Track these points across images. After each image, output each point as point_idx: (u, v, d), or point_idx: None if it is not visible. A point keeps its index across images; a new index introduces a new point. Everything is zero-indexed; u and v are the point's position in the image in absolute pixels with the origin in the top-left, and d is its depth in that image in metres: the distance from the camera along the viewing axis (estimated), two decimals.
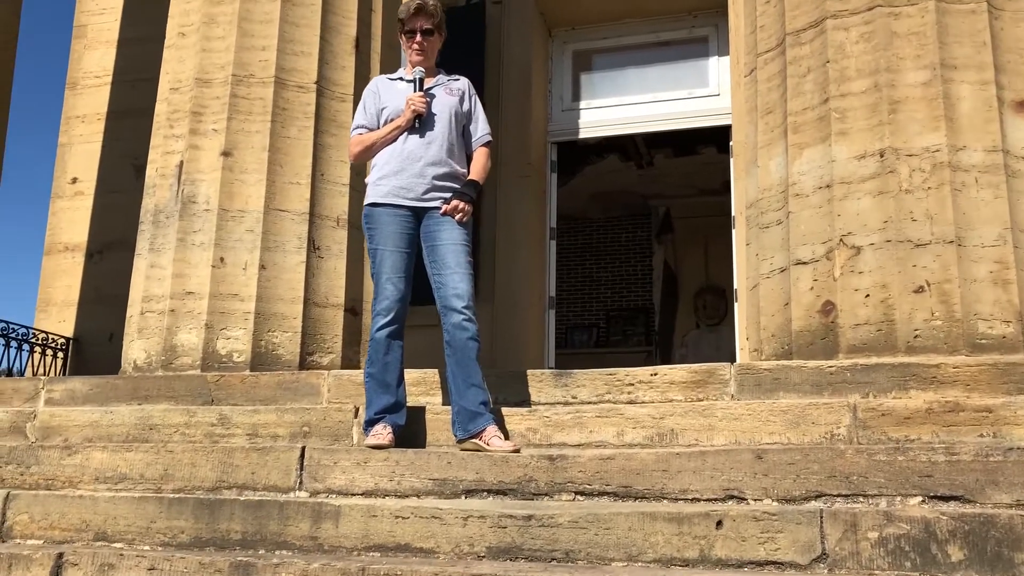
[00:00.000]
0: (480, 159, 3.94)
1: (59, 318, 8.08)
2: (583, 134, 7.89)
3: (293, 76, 4.80)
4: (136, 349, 4.61)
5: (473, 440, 3.46)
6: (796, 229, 3.98)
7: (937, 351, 3.57)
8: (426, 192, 3.76)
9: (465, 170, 3.90)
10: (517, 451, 3.34)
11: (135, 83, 8.05)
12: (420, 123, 3.78)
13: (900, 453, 2.95)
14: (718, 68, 7.52)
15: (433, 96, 3.86)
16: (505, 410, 3.73)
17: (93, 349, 7.77)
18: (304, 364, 4.51)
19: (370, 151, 3.88)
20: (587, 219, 13.75)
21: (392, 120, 3.82)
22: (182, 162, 4.72)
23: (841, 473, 2.96)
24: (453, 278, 3.63)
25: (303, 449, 3.46)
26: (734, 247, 6.36)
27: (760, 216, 4.24)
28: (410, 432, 3.71)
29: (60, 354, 7.79)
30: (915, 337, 3.62)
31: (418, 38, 3.93)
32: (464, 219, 3.78)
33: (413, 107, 3.76)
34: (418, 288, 3.84)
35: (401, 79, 3.97)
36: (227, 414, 3.99)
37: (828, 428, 3.34)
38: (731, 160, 6.50)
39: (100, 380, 4.51)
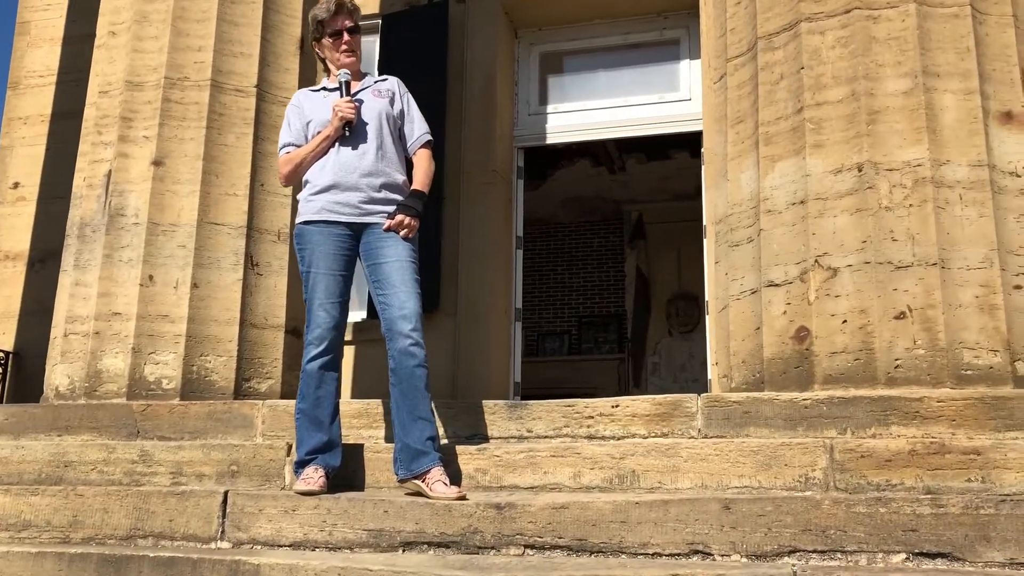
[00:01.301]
0: (422, 164, 3.61)
1: (0, 330, 7.67)
2: (551, 139, 7.58)
3: (231, 79, 4.46)
4: (59, 374, 4.25)
5: (415, 481, 3.15)
6: (768, 248, 3.69)
7: (920, 383, 3.30)
8: (364, 206, 3.43)
9: (405, 178, 3.58)
10: (463, 498, 3.02)
11: (80, 83, 7.63)
12: (351, 131, 3.46)
13: (882, 504, 2.66)
14: (689, 72, 7.24)
15: (361, 101, 3.53)
16: (456, 447, 3.41)
17: (35, 363, 7.34)
18: (240, 391, 4.17)
19: (301, 168, 3.55)
20: (558, 224, 13.47)
21: (320, 132, 3.49)
22: (110, 171, 4.37)
23: (817, 526, 2.67)
24: (399, 297, 3.31)
25: (226, 494, 3.13)
26: (705, 257, 6.09)
27: (730, 233, 3.95)
28: (347, 472, 3.38)
29: (0, 369, 7.38)
30: (896, 367, 3.34)
31: (346, 37, 3.62)
32: (410, 235, 3.46)
33: (341, 114, 3.43)
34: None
35: (324, 88, 3.65)
36: (149, 450, 3.64)
37: (803, 471, 3.05)
38: (703, 167, 6.22)
39: (17, 409, 4.15)
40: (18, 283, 7.65)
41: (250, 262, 4.31)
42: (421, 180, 3.56)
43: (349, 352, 7.18)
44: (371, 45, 7.67)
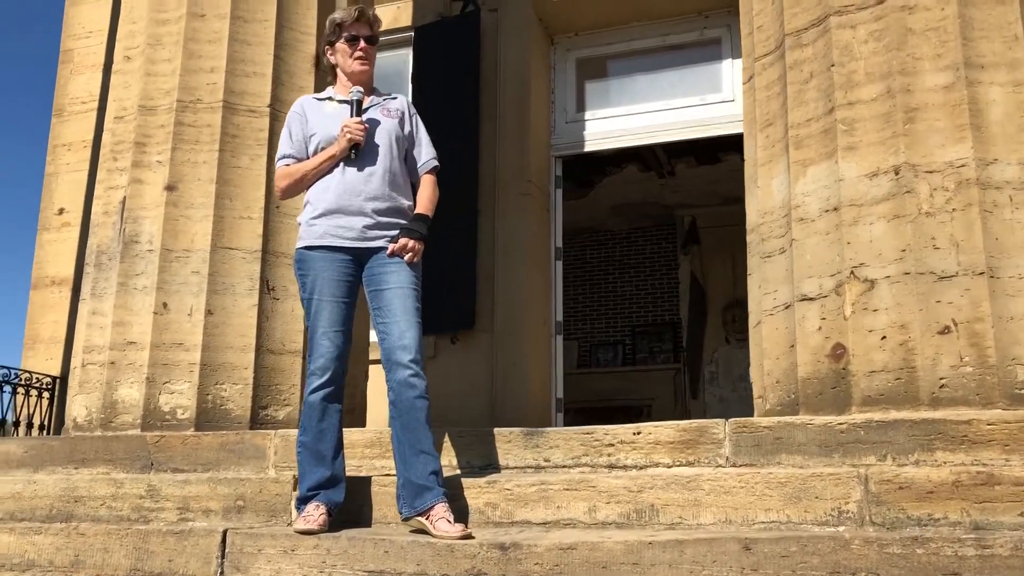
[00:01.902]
0: (427, 189, 3.45)
1: (46, 356, 7.76)
2: (590, 147, 7.37)
3: (244, 99, 4.37)
4: (78, 405, 4.20)
5: (419, 518, 2.98)
6: (801, 259, 3.44)
7: (968, 404, 3.01)
8: (368, 231, 3.28)
9: (411, 203, 3.43)
10: (468, 536, 2.84)
11: None
12: (358, 154, 3.31)
13: (919, 544, 2.40)
14: (732, 72, 6.97)
15: (371, 120, 3.38)
16: (466, 480, 3.23)
17: None
18: (257, 419, 4.06)
19: (300, 184, 3.40)
20: (609, 231, 13.21)
21: (324, 149, 3.35)
22: (125, 198, 4.31)
23: (846, 568, 2.43)
24: (399, 326, 3.15)
25: (224, 533, 3.00)
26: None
27: (762, 243, 3.70)
28: (354, 506, 3.23)
29: (46, 394, 7.45)
30: (941, 387, 3.06)
31: (362, 44, 3.45)
32: (415, 259, 3.30)
33: (350, 136, 3.28)
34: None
35: (331, 99, 3.49)
36: (157, 485, 3.55)
37: (835, 503, 2.80)
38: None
39: (36, 442, 4.11)
40: (64, 308, 7.73)
41: (266, 286, 4.21)
42: (425, 204, 3.41)
43: (372, 373, 7.07)
44: (404, 58, 7.59)
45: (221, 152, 4.27)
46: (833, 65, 3.45)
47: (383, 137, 3.36)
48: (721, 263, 12.11)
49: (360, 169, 3.30)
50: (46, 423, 7.23)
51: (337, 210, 3.27)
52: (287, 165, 3.42)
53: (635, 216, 12.76)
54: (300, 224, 3.36)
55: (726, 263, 12.03)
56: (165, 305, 4.10)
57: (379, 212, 3.29)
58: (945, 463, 2.87)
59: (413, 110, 3.56)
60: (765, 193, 3.70)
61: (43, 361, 7.69)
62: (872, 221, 3.28)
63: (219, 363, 4.07)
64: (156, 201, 4.24)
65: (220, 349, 4.08)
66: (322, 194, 3.30)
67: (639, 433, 3.27)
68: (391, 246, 3.27)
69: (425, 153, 3.51)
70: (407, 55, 7.53)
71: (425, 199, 3.42)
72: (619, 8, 7.10)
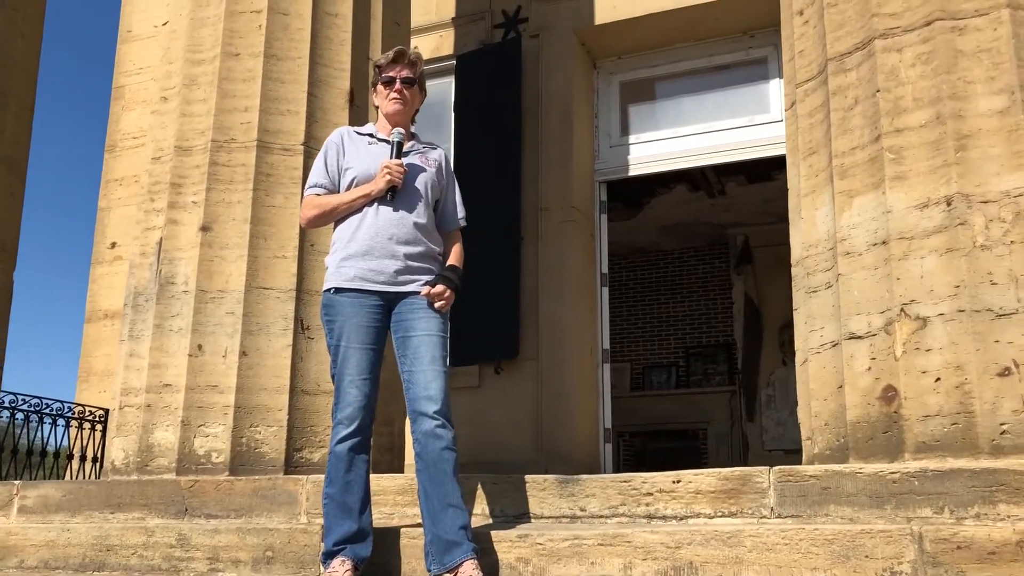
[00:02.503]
0: (457, 245, 3.41)
1: (100, 388, 7.86)
2: (634, 171, 7.24)
3: (278, 138, 4.35)
4: (116, 448, 4.19)
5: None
6: (848, 295, 3.27)
7: None
8: (400, 275, 3.21)
9: (441, 250, 3.35)
10: None
11: None
12: (394, 194, 3.23)
13: None
14: (780, 91, 6.78)
15: (410, 165, 3.31)
16: (497, 532, 3.11)
17: None
18: (291, 462, 4.00)
19: (329, 217, 3.32)
20: (660, 251, 13.03)
21: (360, 186, 3.28)
22: (161, 239, 4.31)
23: None
24: (425, 375, 3.06)
25: None
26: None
27: (807, 277, 3.53)
28: (382, 559, 3.14)
29: (99, 427, 7.54)
30: (1002, 433, 2.86)
31: (397, 85, 3.36)
32: (445, 308, 3.23)
33: (390, 177, 3.19)
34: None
35: (371, 136, 3.42)
36: (187, 534, 3.50)
37: (887, 563, 2.62)
38: None
39: (74, 486, 4.10)
40: (116, 341, 7.82)
41: (300, 326, 4.16)
42: (458, 257, 3.38)
43: None
44: (447, 86, 7.56)
45: (255, 191, 4.24)
46: (879, 90, 3.29)
47: (420, 183, 3.29)
48: (777, 282, 11.82)
49: (395, 210, 3.22)
50: (99, 455, 7.31)
51: (368, 252, 3.20)
52: (317, 195, 3.35)
53: (686, 236, 12.56)
54: (327, 266, 3.29)
55: (782, 282, 11.69)
56: (200, 347, 4.07)
57: (411, 257, 3.21)
58: (1008, 517, 2.67)
59: (450, 166, 3.49)
60: (809, 225, 3.54)
61: (96, 394, 7.79)
62: (923, 255, 3.09)
63: (253, 405, 4.02)
64: (191, 242, 4.23)
65: (254, 391, 4.04)
66: (353, 234, 3.23)
67: (679, 482, 3.12)
68: (425, 288, 3.20)
69: (459, 211, 3.46)
70: (449, 83, 7.49)
71: (457, 253, 3.37)
72: (663, 30, 6.98)
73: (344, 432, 3.07)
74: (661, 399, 12.46)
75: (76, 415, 7.36)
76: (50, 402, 7.13)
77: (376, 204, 3.25)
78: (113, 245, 8.17)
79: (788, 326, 12.50)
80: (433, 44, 7.54)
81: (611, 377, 6.96)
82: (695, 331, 12.82)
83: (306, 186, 3.41)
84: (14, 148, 6.01)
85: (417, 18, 7.62)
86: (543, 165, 6.85)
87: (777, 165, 9.28)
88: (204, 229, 4.21)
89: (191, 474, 3.92)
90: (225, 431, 3.97)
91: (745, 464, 12.03)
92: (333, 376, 3.17)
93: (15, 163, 6.04)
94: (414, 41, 7.63)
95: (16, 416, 6.84)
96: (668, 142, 7.12)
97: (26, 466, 6.88)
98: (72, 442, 7.29)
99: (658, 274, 13.03)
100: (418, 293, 3.20)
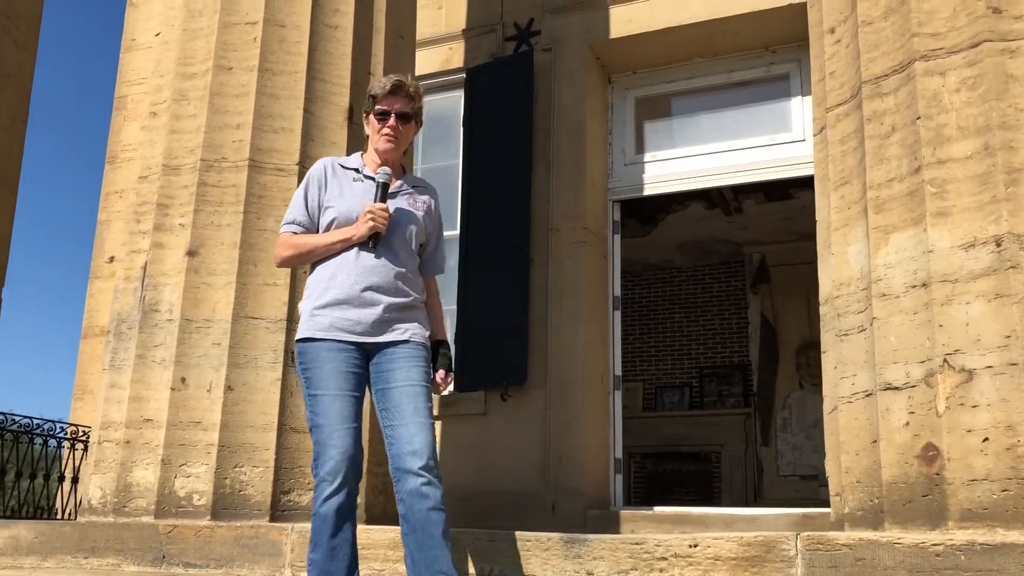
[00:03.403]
0: (438, 300, 3.19)
1: (95, 407, 7.61)
2: (649, 190, 6.96)
3: (272, 157, 4.10)
4: (93, 486, 3.94)
5: None
6: (884, 341, 2.98)
7: None
8: (380, 326, 2.94)
9: (423, 297, 3.08)
10: None
11: None
12: (376, 241, 2.97)
13: None
14: (802, 110, 6.50)
15: (397, 209, 3.03)
16: None
17: None
18: (278, 506, 3.74)
19: (304, 259, 3.05)
20: (675, 269, 12.74)
21: (340, 227, 3.00)
22: (146, 263, 4.06)
23: None
24: (408, 429, 2.79)
25: None
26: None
27: (837, 319, 3.25)
28: None
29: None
30: None
31: (391, 122, 3.06)
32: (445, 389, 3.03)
33: (372, 224, 2.93)
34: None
35: (358, 171, 3.12)
36: None
37: None
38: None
39: (47, 527, 3.85)
40: None
41: (291, 358, 3.88)
42: (441, 318, 3.17)
43: (434, 429, 6.72)
44: (456, 100, 7.31)
45: (246, 214, 4.00)
46: (919, 118, 3.00)
47: (406, 229, 3.02)
48: (794, 303, 11.52)
49: (376, 258, 2.96)
50: None
51: (346, 301, 2.92)
52: (294, 233, 3.07)
53: (701, 253, 12.28)
54: (301, 313, 3.01)
55: (800, 303, 11.42)
56: (183, 380, 3.82)
57: (392, 308, 2.95)
58: None
59: (438, 208, 3.22)
60: (840, 262, 3.25)
61: (91, 412, 7.52)
62: (969, 300, 2.80)
63: (239, 443, 3.76)
64: (177, 267, 3.98)
65: (240, 428, 3.78)
66: (330, 281, 2.95)
67: (696, 546, 2.84)
68: (437, 378, 3.03)
69: (440, 258, 3.21)
70: (459, 98, 7.25)
71: (439, 312, 3.16)
72: (680, 44, 6.71)
73: (328, 490, 2.79)
74: (674, 420, 12.16)
75: (69, 435, 7.12)
76: (41, 422, 6.90)
77: (357, 249, 2.97)
78: (112, 259, 7.94)
79: (805, 347, 12.17)
80: (443, 57, 7.30)
81: (623, 398, 6.68)
82: (709, 351, 12.52)
83: (283, 222, 3.11)
84: (5, 161, 5.78)
85: (426, 30, 7.38)
86: (554, 183, 6.58)
87: (797, 184, 9.01)
88: (191, 254, 3.96)
89: (171, 517, 3.66)
90: (208, 471, 3.71)
91: (759, 488, 11.71)
92: (312, 430, 2.87)
93: (6, 177, 5.82)
94: (422, 54, 7.38)
95: (5, 436, 6.61)
96: (685, 160, 6.85)
97: (14, 489, 6.65)
98: (64, 463, 7.05)
99: (672, 292, 12.75)
100: (398, 343, 2.94)
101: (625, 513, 5.94)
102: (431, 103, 7.75)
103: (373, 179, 3.04)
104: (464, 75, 7.14)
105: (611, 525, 5.86)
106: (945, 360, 2.80)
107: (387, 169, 3.03)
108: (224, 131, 4.11)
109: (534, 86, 6.81)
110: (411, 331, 2.96)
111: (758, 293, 12.08)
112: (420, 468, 2.72)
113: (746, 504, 11.44)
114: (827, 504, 3.60)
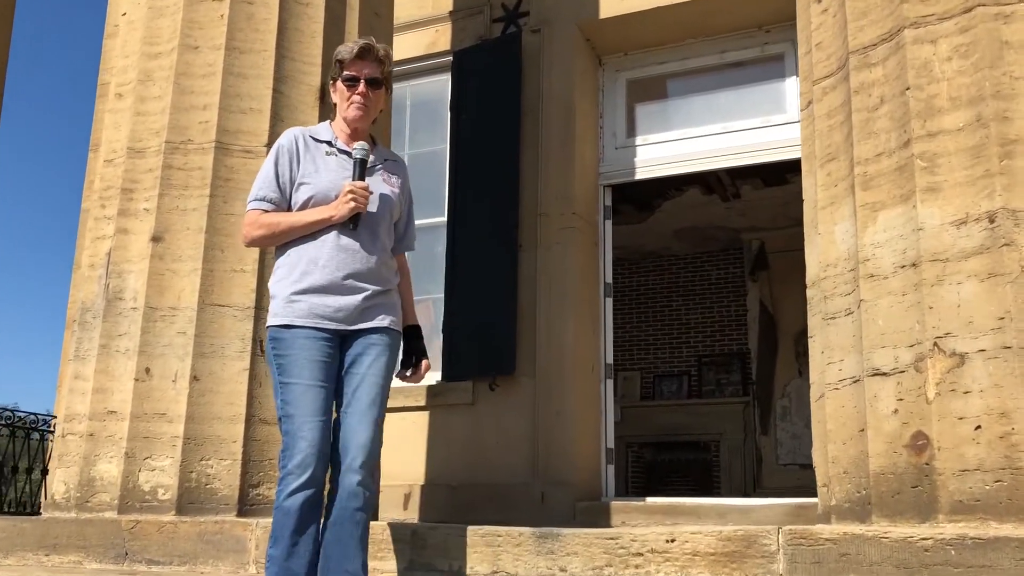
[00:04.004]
0: (409, 280, 3.06)
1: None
2: (641, 174, 6.80)
3: (239, 138, 3.95)
4: (57, 480, 3.81)
5: None
6: (871, 324, 2.83)
7: None
8: (362, 313, 2.80)
9: (397, 279, 2.94)
10: None
11: None
12: (357, 223, 2.80)
13: None
14: (797, 90, 6.31)
15: (374, 186, 2.88)
16: None
17: None
18: (245, 500, 3.60)
19: (277, 239, 2.86)
20: (672, 256, 12.56)
21: (317, 205, 2.81)
22: (111, 250, 3.91)
23: None
24: (359, 423, 2.67)
25: None
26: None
27: (824, 302, 3.10)
28: None
29: None
30: None
31: (361, 88, 2.88)
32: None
33: (354, 204, 2.76)
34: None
35: (331, 144, 2.95)
36: None
37: None
38: None
39: (8, 523, 3.72)
40: None
41: (259, 347, 3.76)
42: (413, 309, 3.05)
43: (421, 419, 6.60)
44: (443, 83, 7.15)
45: (212, 198, 3.85)
46: (909, 88, 2.84)
47: (384, 208, 2.87)
48: (793, 290, 11.31)
49: (356, 240, 2.80)
50: None
51: (327, 287, 2.76)
52: (264, 211, 2.87)
53: (699, 240, 12.10)
54: (273, 295, 2.85)
55: (799, 290, 11.11)
56: (148, 370, 3.68)
57: (374, 295, 2.81)
58: None
59: (407, 182, 3.07)
60: (827, 242, 3.10)
61: None
62: (960, 280, 2.65)
63: (205, 436, 3.63)
64: (142, 253, 3.84)
65: (207, 420, 3.64)
66: (308, 265, 2.78)
67: (673, 541, 2.70)
68: (411, 372, 2.99)
69: (411, 233, 3.06)
70: (445, 81, 7.09)
71: (410, 302, 3.04)
72: (673, 24, 6.54)
73: (295, 484, 2.63)
74: (672, 409, 12.01)
75: (52, 427, 7.00)
76: (22, 413, 6.78)
77: (337, 232, 2.80)
78: None
79: (804, 335, 12.00)
80: (429, 39, 7.14)
81: (620, 386, 6.58)
82: (708, 339, 12.36)
83: (250, 198, 2.91)
84: None
85: (412, 12, 7.22)
86: (543, 168, 6.42)
87: (794, 168, 8.83)
88: (155, 239, 3.82)
89: (135, 512, 3.53)
90: (173, 464, 3.58)
91: (759, 477, 11.57)
92: (281, 419, 2.73)
93: None
94: (408, 37, 7.22)
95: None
96: (677, 144, 6.68)
97: (11, 484, 6.55)
98: (47, 455, 6.93)
99: (670, 279, 12.58)
100: (374, 330, 2.80)
101: (616, 504, 5.80)
102: (418, 87, 7.59)
103: (348, 153, 2.88)
104: (451, 58, 6.97)
105: (601, 517, 5.72)
106: (935, 344, 2.64)
107: (364, 144, 2.86)
108: (190, 112, 3.96)
109: (522, 68, 6.64)
110: (389, 319, 2.84)
111: (757, 280, 11.92)
112: (359, 466, 2.62)
113: (745, 494, 11.31)
114: None
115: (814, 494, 3.03)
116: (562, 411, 6.06)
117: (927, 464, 2.61)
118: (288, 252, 2.85)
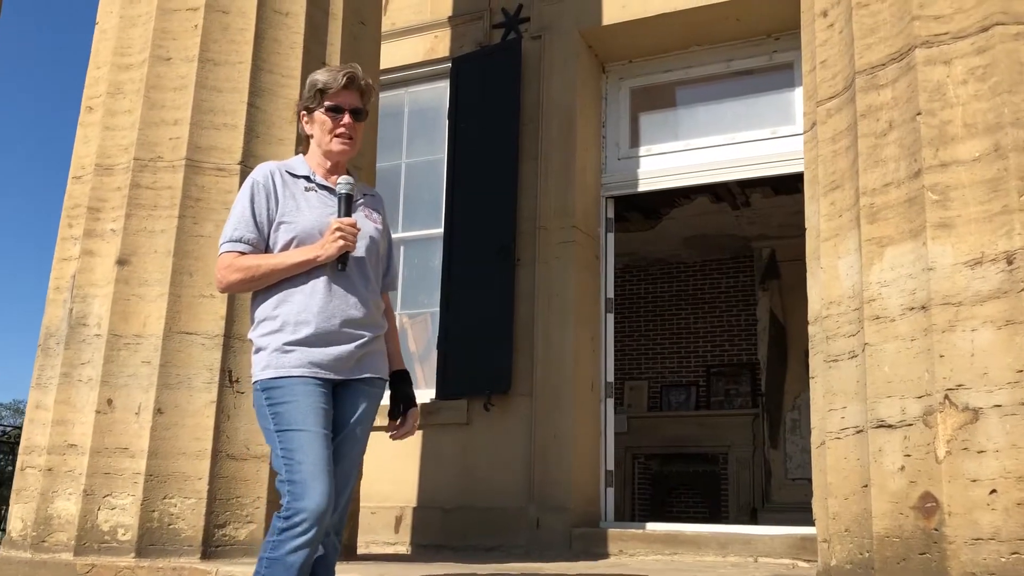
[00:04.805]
0: (395, 326, 2.83)
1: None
2: (644, 186, 6.57)
3: (211, 155, 3.74)
4: (15, 516, 3.62)
5: None
6: (876, 371, 2.59)
7: None
8: (357, 362, 2.59)
9: (385, 323, 2.73)
10: None
11: None
12: (345, 263, 2.58)
13: None
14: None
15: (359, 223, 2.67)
16: None
17: None
18: (210, 542, 3.40)
19: (257, 284, 2.59)
20: (681, 264, 12.32)
21: (300, 245, 2.57)
22: (75, 272, 3.72)
23: None
24: (338, 478, 2.47)
25: None
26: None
27: (826, 341, 2.86)
28: None
29: None
30: None
31: (346, 119, 2.65)
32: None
33: (342, 242, 2.53)
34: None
35: (309, 179, 2.69)
36: None
37: None
38: None
39: None
40: None
41: (228, 378, 3.56)
42: (400, 352, 2.83)
43: (414, 438, 6.39)
44: (441, 91, 6.93)
45: (181, 219, 3.65)
46: (920, 113, 2.60)
47: (371, 245, 2.66)
48: (804, 300, 11.01)
49: (349, 283, 2.58)
50: None
51: (324, 336, 2.53)
52: (241, 253, 2.59)
53: (709, 248, 11.85)
54: (259, 346, 2.57)
55: None
56: (110, 401, 3.48)
57: (368, 341, 2.61)
58: None
59: (387, 218, 2.85)
60: (830, 276, 2.86)
61: None
62: (975, 327, 2.41)
63: (168, 472, 3.43)
64: (107, 277, 3.64)
65: (170, 455, 3.44)
66: (299, 312, 2.54)
67: None
68: (400, 423, 2.74)
69: (392, 274, 2.86)
70: (444, 88, 6.88)
71: (396, 344, 2.81)
72: (678, 31, 6.30)
73: (303, 539, 2.34)
74: (680, 420, 11.77)
75: None
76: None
77: (327, 276, 2.57)
78: None
79: None
80: (427, 45, 6.93)
81: (627, 396, 6.37)
82: (717, 349, 12.10)
83: (223, 239, 2.63)
84: None
85: (409, 17, 7.01)
86: (543, 179, 6.20)
87: (803, 179, 8.60)
88: (121, 263, 3.62)
89: (92, 554, 3.33)
90: (134, 503, 3.38)
91: (767, 491, 11.31)
92: (285, 468, 2.43)
93: None
94: (406, 43, 7.01)
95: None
96: (682, 155, 6.44)
97: None
98: None
99: (679, 288, 12.33)
100: (365, 379, 2.60)
101: (613, 532, 5.57)
102: (415, 94, 7.38)
103: (328, 188, 2.65)
104: (450, 64, 6.76)
105: (598, 544, 5.50)
106: (946, 396, 2.40)
107: (349, 178, 2.63)
108: (160, 127, 3.76)
109: (523, 76, 6.42)
110: (377, 366, 2.64)
111: (767, 289, 11.65)
112: (339, 531, 2.41)
113: (753, 509, 11.05)
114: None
115: None
116: (560, 432, 5.84)
117: (936, 530, 2.37)
118: (271, 299, 2.58)
